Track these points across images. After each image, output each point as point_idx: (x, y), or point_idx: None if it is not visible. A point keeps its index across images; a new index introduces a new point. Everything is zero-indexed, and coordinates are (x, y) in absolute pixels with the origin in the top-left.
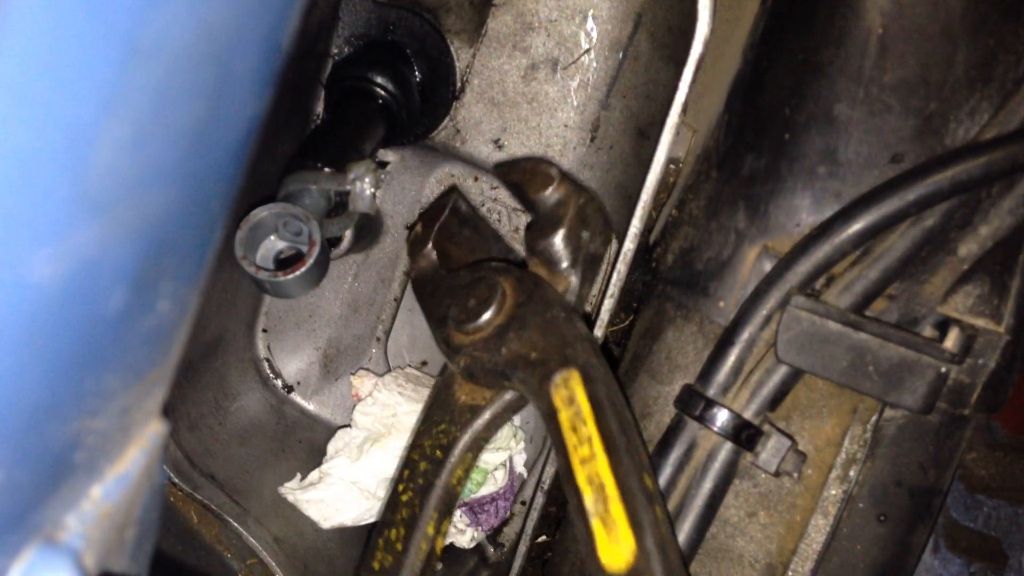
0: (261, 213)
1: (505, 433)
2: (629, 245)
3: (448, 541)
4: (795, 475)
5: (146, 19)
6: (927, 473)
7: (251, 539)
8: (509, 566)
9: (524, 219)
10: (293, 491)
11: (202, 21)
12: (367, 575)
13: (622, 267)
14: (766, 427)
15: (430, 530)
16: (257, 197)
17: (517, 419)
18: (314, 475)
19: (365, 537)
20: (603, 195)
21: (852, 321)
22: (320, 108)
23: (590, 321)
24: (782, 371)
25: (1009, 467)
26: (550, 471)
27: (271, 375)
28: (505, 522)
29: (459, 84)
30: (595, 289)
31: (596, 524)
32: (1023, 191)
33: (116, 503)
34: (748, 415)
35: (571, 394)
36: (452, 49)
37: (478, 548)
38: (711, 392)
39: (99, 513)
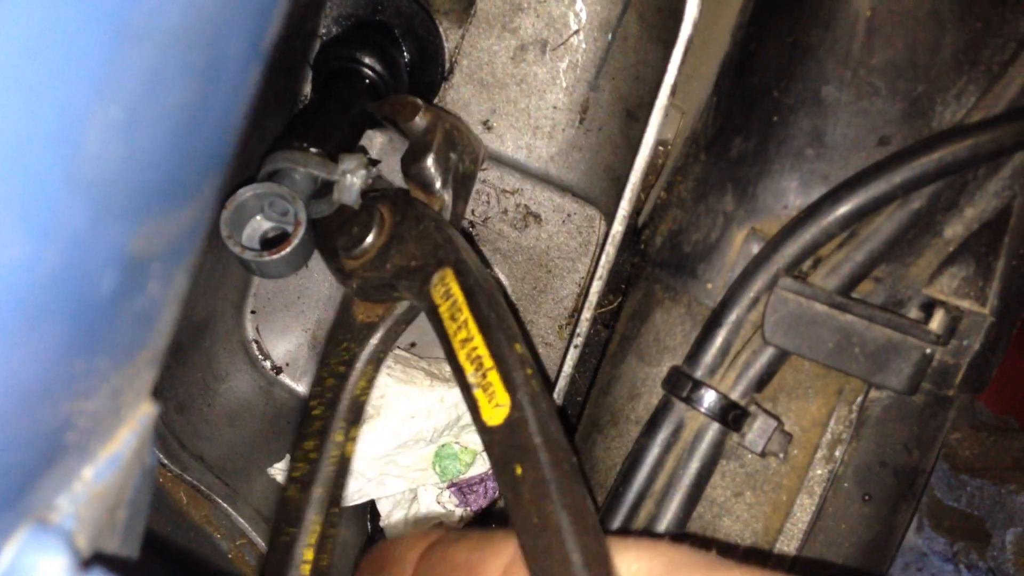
0: (246, 192)
1: None
2: (617, 227)
3: (437, 521)
4: (781, 455)
5: (137, 1)
6: (911, 453)
7: (240, 519)
8: None
9: (513, 200)
10: (282, 471)
11: (193, 2)
12: (290, 484)
13: (611, 249)
14: (752, 408)
15: (339, 438)
16: (246, 178)
17: None
18: None
19: (354, 517)
20: (592, 177)
21: (838, 303)
22: (308, 89)
23: (469, 236)
24: (769, 352)
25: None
26: None
27: (260, 357)
28: (494, 502)
29: (448, 65)
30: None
31: (478, 393)
32: (1009, 173)
33: (108, 484)
34: (735, 396)
35: (447, 289)
36: (441, 30)
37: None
38: (698, 373)
39: (91, 494)
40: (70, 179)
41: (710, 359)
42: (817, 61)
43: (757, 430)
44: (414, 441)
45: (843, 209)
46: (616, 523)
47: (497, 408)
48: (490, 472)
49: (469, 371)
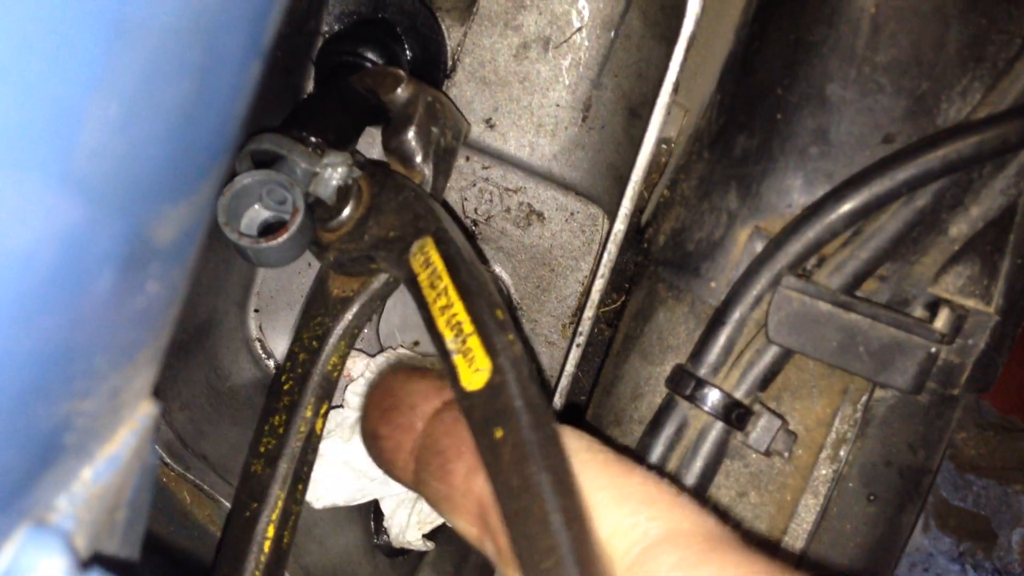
0: (244, 180)
1: None
2: (620, 226)
3: (440, 522)
4: (785, 455)
5: None
6: (917, 453)
7: None
8: None
9: (516, 199)
10: None
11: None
12: (255, 459)
13: (613, 247)
14: (756, 407)
15: (308, 413)
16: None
17: None
18: None
19: (358, 517)
20: (595, 175)
21: (843, 302)
22: (310, 86)
23: (450, 208)
24: (773, 351)
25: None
26: None
27: (263, 355)
28: None
29: (450, 63)
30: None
31: (458, 359)
32: (1014, 171)
33: (107, 484)
34: (739, 395)
35: (427, 257)
36: (443, 27)
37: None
38: (702, 372)
39: (90, 495)
40: (66, 177)
41: (714, 358)
42: (821, 58)
43: (761, 429)
44: None
45: (847, 207)
46: None
47: (477, 373)
48: None
49: (449, 337)
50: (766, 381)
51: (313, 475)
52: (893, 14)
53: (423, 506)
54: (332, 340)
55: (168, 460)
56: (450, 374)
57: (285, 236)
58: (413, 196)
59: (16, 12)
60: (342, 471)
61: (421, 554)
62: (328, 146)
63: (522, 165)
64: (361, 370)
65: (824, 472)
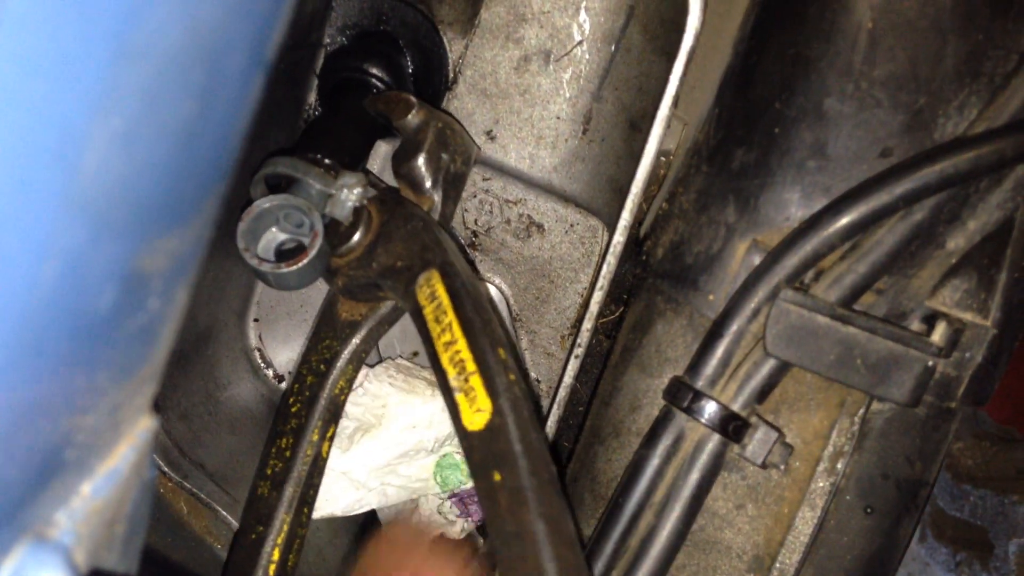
0: (264, 204)
1: None
2: (619, 238)
3: (439, 532)
4: (782, 467)
5: (136, 20)
6: (914, 465)
7: None
8: None
9: (516, 210)
10: None
11: (192, 21)
12: (261, 481)
13: (612, 259)
14: (754, 419)
15: (315, 437)
16: (248, 185)
17: None
18: None
19: (355, 528)
20: (594, 187)
21: (840, 315)
22: (313, 98)
23: (455, 236)
24: (770, 364)
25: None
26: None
27: (262, 365)
28: None
29: (452, 75)
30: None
31: (460, 397)
32: (1011, 186)
33: (106, 499)
34: (736, 407)
35: (432, 290)
36: (445, 40)
37: (468, 539)
38: (699, 384)
39: (89, 510)
40: (69, 197)
41: (711, 370)
42: (819, 73)
43: (758, 441)
44: (415, 451)
45: (845, 221)
46: (615, 533)
47: (478, 413)
48: None
49: (452, 375)
50: (763, 394)
51: None
52: (890, 29)
53: (420, 517)
54: (340, 364)
55: (166, 469)
56: (451, 412)
57: (305, 261)
58: (421, 226)
59: (21, 34)
60: (340, 481)
61: None
62: (342, 167)
63: (522, 177)
64: (360, 380)
65: (821, 485)
